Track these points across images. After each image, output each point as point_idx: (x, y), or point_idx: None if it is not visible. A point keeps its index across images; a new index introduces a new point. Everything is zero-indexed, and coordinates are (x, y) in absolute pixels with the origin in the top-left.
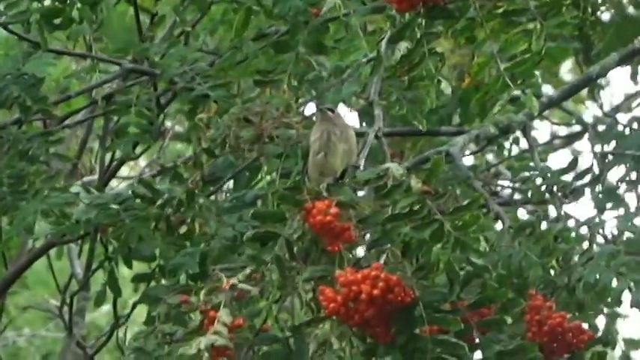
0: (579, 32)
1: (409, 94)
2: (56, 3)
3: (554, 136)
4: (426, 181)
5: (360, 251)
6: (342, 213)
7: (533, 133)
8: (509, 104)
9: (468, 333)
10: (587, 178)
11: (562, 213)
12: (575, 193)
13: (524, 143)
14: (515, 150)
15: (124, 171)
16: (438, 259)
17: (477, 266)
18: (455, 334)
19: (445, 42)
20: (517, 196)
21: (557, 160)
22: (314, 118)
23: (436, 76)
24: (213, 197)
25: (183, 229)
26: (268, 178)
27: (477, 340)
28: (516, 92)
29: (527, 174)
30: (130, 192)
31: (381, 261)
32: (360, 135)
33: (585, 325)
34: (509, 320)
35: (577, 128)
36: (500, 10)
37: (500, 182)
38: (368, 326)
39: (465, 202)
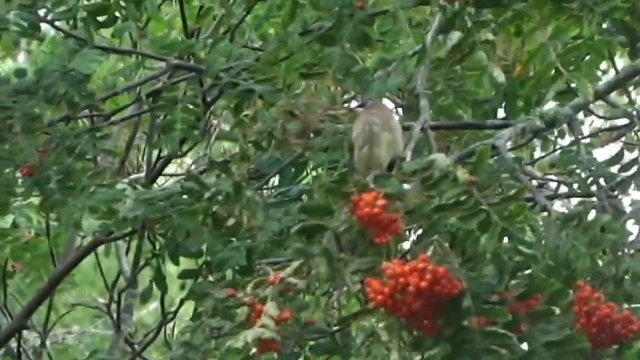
0: (629, 20)
1: (455, 83)
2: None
3: (599, 129)
4: (473, 172)
5: (407, 244)
6: (389, 205)
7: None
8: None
9: (515, 324)
10: (634, 170)
11: (608, 205)
12: (622, 186)
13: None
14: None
15: (171, 168)
16: (484, 249)
17: (526, 255)
18: (503, 326)
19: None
20: (563, 189)
21: (603, 153)
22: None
23: (488, 65)
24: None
25: (230, 222)
26: (314, 173)
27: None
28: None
29: (573, 166)
30: (177, 187)
31: (428, 253)
32: (405, 129)
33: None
34: (557, 311)
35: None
36: None
37: (544, 175)
38: (415, 318)
39: (512, 192)
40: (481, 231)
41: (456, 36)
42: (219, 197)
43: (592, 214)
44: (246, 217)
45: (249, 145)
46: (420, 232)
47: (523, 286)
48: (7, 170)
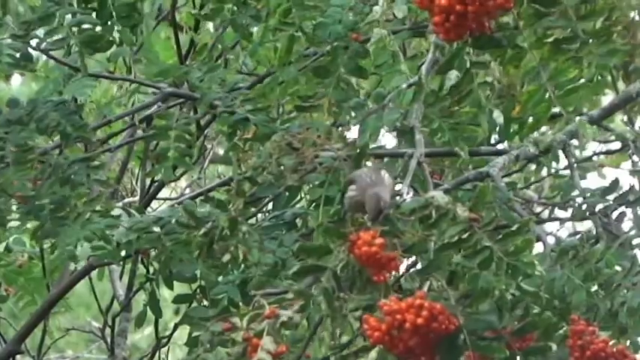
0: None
1: (451, 120)
2: (96, 27)
3: (594, 153)
4: (473, 208)
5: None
6: (387, 243)
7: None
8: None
9: (512, 359)
10: (629, 198)
11: (602, 233)
12: (618, 217)
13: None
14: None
15: (165, 192)
16: (491, 286)
17: (527, 292)
18: None
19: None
20: (558, 214)
21: (596, 179)
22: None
23: (487, 106)
24: (253, 218)
25: (226, 258)
26: (308, 197)
27: None
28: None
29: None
30: (170, 216)
31: (425, 288)
32: (398, 156)
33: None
34: (553, 347)
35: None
36: (551, 39)
37: (539, 200)
38: (412, 355)
39: (515, 227)
40: (482, 268)
41: (454, 75)
42: (216, 231)
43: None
44: (242, 253)
45: (244, 179)
46: (410, 261)
47: (518, 321)
48: (0, 200)
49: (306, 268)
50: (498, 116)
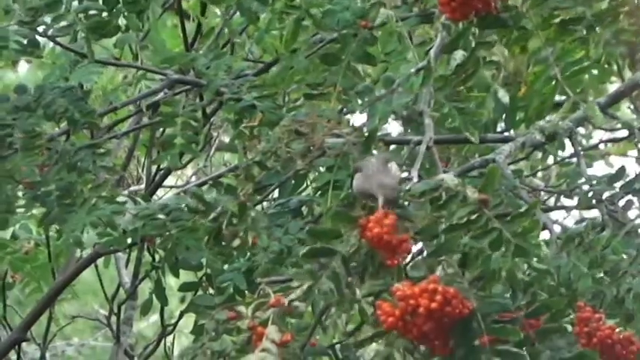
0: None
1: (461, 105)
2: (102, 13)
3: (600, 141)
4: (482, 190)
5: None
6: (398, 225)
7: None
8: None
9: (526, 342)
10: (636, 186)
11: (608, 220)
12: (625, 205)
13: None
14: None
15: (171, 180)
16: (499, 267)
17: (540, 271)
18: (514, 344)
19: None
20: (564, 202)
21: (603, 167)
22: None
23: (492, 85)
24: (259, 206)
25: (235, 243)
26: (314, 185)
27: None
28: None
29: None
30: (177, 203)
31: (437, 272)
32: (404, 143)
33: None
34: (569, 328)
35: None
36: (557, 20)
37: (545, 188)
38: (427, 340)
39: (523, 209)
40: (493, 249)
41: (459, 55)
42: (225, 216)
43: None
44: (251, 238)
45: (253, 164)
46: (420, 245)
47: (528, 304)
48: (7, 187)
49: (315, 251)
50: (504, 96)
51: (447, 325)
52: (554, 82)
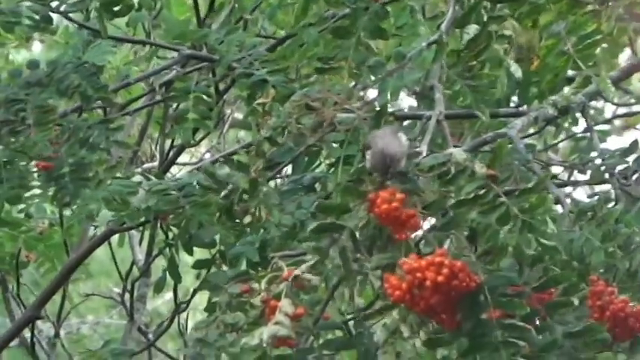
0: None
1: (473, 82)
2: None
3: (613, 116)
4: (490, 165)
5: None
6: (407, 200)
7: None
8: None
9: (533, 316)
10: None
11: (620, 194)
12: (638, 179)
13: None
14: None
15: (184, 157)
16: (505, 243)
17: (546, 247)
18: (520, 318)
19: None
20: (576, 177)
21: (618, 141)
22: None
23: (505, 60)
24: (272, 182)
25: (247, 219)
26: (327, 162)
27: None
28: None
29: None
30: (190, 179)
31: (445, 246)
32: (417, 118)
33: None
34: (575, 302)
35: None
36: None
37: (558, 162)
38: (434, 313)
39: (531, 184)
40: (500, 224)
41: (472, 29)
42: (237, 193)
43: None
44: (263, 214)
45: (264, 140)
46: (432, 220)
47: (539, 278)
48: (21, 163)
49: (324, 226)
50: (516, 70)
51: (454, 299)
52: (566, 56)
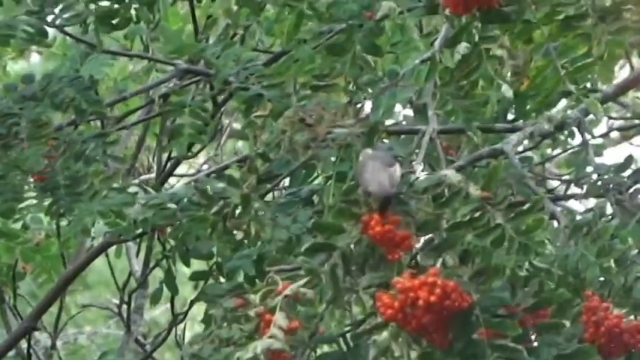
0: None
1: (465, 102)
2: (113, 4)
3: (610, 129)
4: (485, 187)
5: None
6: (401, 221)
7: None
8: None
9: (525, 336)
10: None
11: (616, 209)
12: (633, 193)
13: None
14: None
15: (182, 168)
16: (502, 264)
17: (540, 269)
18: (512, 339)
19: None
20: (573, 190)
21: (614, 154)
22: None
23: (495, 79)
24: (270, 195)
25: (239, 235)
26: (324, 175)
27: (535, 344)
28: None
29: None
30: (186, 193)
31: (438, 265)
32: (413, 132)
33: None
34: (567, 324)
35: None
36: (561, 17)
37: (555, 176)
38: (425, 332)
39: (527, 206)
40: (495, 247)
41: (462, 48)
42: (229, 208)
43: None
44: (254, 230)
45: (257, 156)
46: (427, 237)
47: (532, 297)
48: (15, 176)
49: (317, 246)
50: (507, 90)
51: (446, 318)
52: (556, 78)
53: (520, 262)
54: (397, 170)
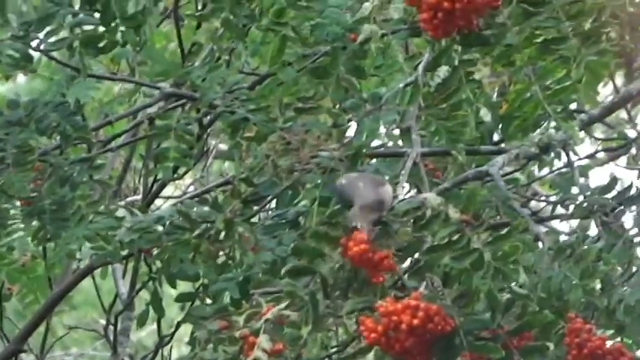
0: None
1: (448, 123)
2: (98, 28)
3: (596, 151)
4: (464, 210)
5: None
6: (381, 242)
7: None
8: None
9: (509, 359)
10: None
11: (602, 231)
12: (617, 214)
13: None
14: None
15: (169, 190)
16: (478, 287)
17: (519, 295)
18: None
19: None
20: (559, 211)
21: (600, 176)
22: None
23: (474, 103)
24: (256, 217)
25: (221, 260)
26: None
27: None
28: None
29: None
30: (172, 215)
31: (421, 289)
32: (399, 155)
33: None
34: (550, 346)
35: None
36: (540, 40)
37: (540, 197)
38: (409, 355)
39: (504, 231)
40: (474, 269)
41: (442, 72)
42: (211, 232)
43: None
44: (237, 254)
45: (240, 181)
46: (411, 260)
47: (515, 319)
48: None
49: (297, 269)
50: (485, 115)
51: (429, 342)
52: (534, 102)
53: (499, 287)
54: (389, 189)
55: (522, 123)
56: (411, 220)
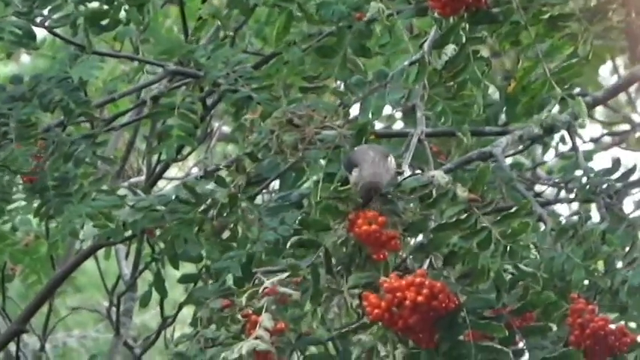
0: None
1: (454, 103)
2: (103, 5)
3: (601, 135)
4: (472, 189)
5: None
6: (388, 221)
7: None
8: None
9: (511, 338)
10: (633, 177)
11: (604, 213)
12: (619, 195)
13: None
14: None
15: (172, 171)
16: (487, 267)
17: (524, 273)
18: (499, 340)
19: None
20: (562, 194)
21: (604, 159)
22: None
23: (482, 81)
24: (259, 198)
25: (226, 234)
26: (314, 178)
27: (520, 345)
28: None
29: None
30: (175, 193)
31: (425, 266)
32: (402, 135)
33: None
34: (553, 327)
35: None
36: (546, 16)
37: (544, 180)
38: (412, 332)
39: (513, 210)
40: (481, 249)
41: (450, 50)
42: (216, 207)
43: (589, 224)
44: (241, 229)
45: (244, 156)
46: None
47: (518, 299)
48: (3, 176)
49: (301, 242)
50: (493, 92)
51: (432, 319)
52: (542, 79)
53: (505, 265)
54: (392, 162)
55: (529, 101)
56: (418, 198)
